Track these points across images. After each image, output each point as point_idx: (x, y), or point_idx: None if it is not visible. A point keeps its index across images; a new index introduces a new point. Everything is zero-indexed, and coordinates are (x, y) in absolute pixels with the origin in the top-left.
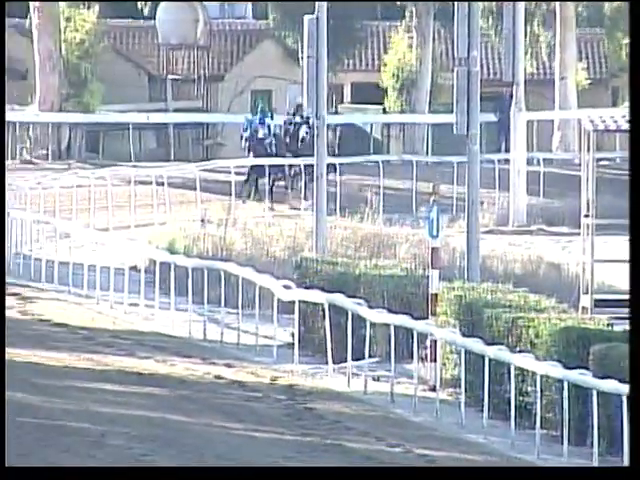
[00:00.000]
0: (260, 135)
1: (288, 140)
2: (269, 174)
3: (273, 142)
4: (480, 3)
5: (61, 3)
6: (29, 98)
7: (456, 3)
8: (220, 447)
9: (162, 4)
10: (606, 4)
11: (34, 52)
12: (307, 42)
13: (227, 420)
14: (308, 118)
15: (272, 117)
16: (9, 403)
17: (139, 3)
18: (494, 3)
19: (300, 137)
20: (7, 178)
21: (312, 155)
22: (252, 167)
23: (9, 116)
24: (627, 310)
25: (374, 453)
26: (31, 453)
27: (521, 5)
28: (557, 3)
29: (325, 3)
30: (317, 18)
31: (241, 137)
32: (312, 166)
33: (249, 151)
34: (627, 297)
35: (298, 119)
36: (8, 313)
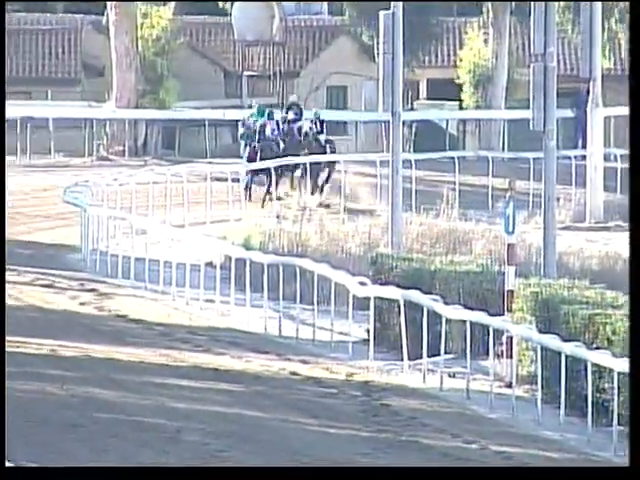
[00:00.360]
0: (268, 132)
1: (290, 137)
2: (292, 170)
3: (280, 139)
4: None
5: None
6: (106, 95)
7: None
8: (295, 443)
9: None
10: None
11: (111, 49)
12: (383, 38)
13: (302, 416)
14: (301, 114)
15: (272, 116)
16: (88, 399)
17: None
18: None
19: (303, 132)
20: (85, 174)
21: (315, 152)
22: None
23: (87, 113)
24: None
25: (450, 450)
26: (109, 449)
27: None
28: None
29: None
30: (393, 14)
31: (242, 136)
32: (319, 163)
33: (255, 149)
34: None
35: (292, 115)
36: (85, 309)
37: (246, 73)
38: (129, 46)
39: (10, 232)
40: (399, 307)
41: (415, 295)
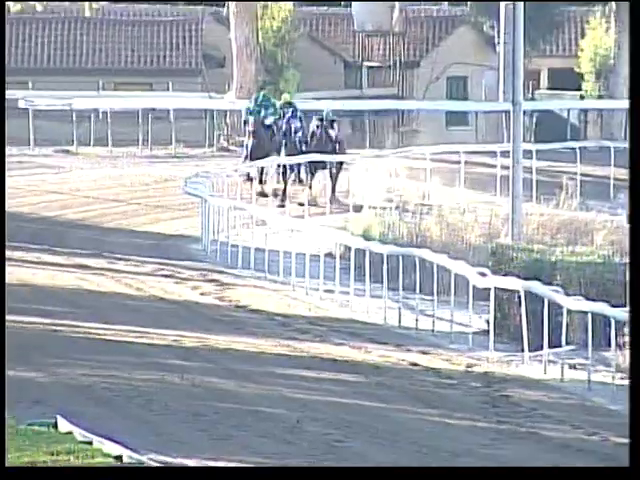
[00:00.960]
0: (293, 129)
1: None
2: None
3: (300, 138)
4: None
5: None
6: (226, 86)
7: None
8: (415, 434)
9: None
10: None
11: (231, 40)
12: (504, 28)
13: (422, 407)
14: (295, 112)
15: (276, 111)
16: (209, 389)
17: None
18: None
19: (311, 132)
20: (205, 165)
21: (320, 151)
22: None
23: (207, 104)
24: None
25: (570, 441)
26: (230, 438)
27: None
28: None
29: None
30: (514, 4)
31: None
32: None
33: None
34: None
35: (290, 113)
36: (206, 299)
37: (366, 63)
38: (249, 37)
39: (132, 223)
40: (519, 298)
41: (536, 286)
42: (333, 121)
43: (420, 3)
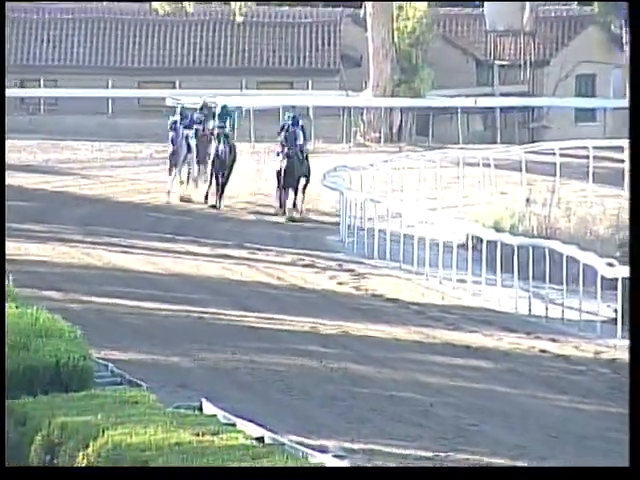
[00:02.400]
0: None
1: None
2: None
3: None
4: None
5: None
6: (363, 84)
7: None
8: (545, 418)
9: None
10: None
11: (368, 40)
12: (632, 25)
13: (551, 392)
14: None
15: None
16: (346, 374)
17: None
18: None
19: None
20: (343, 160)
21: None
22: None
23: (345, 101)
24: None
25: None
26: (366, 422)
27: None
28: None
29: None
30: None
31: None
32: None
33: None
34: None
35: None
36: (343, 288)
37: (497, 62)
38: (385, 37)
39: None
40: None
41: None
42: (302, 127)
43: (550, 3)
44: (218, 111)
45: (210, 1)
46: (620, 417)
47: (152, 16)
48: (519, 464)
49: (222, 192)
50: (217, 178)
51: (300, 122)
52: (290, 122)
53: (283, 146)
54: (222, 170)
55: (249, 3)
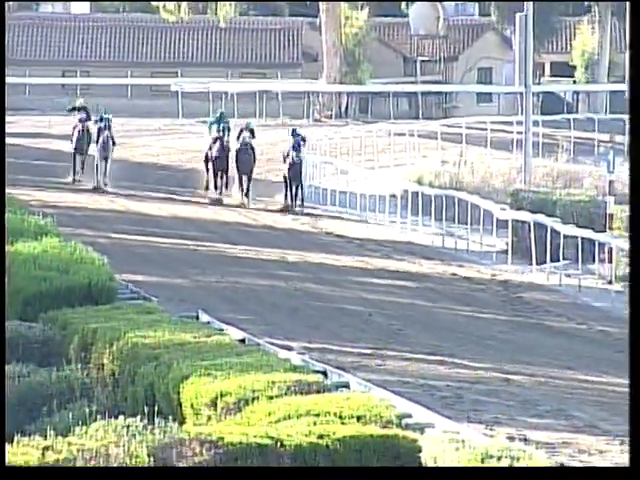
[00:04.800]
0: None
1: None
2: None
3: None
4: None
5: (343, 4)
6: (318, 74)
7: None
8: (454, 324)
9: (414, 5)
10: None
11: (322, 42)
12: (518, 32)
13: (459, 305)
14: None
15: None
16: (305, 292)
17: (402, 4)
18: None
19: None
20: (303, 132)
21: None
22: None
23: (305, 87)
24: None
25: (567, 329)
26: (320, 326)
27: None
28: None
29: (531, 3)
30: (526, 15)
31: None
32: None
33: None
34: None
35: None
36: (304, 227)
37: (419, 58)
38: (335, 40)
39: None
40: (529, 226)
41: (541, 217)
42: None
43: (458, 12)
44: (217, 116)
45: (208, 1)
46: (509, 323)
47: (161, 23)
48: (434, 358)
49: (227, 186)
50: (221, 175)
51: (302, 140)
52: (296, 139)
53: (288, 156)
54: (224, 165)
55: (232, 13)
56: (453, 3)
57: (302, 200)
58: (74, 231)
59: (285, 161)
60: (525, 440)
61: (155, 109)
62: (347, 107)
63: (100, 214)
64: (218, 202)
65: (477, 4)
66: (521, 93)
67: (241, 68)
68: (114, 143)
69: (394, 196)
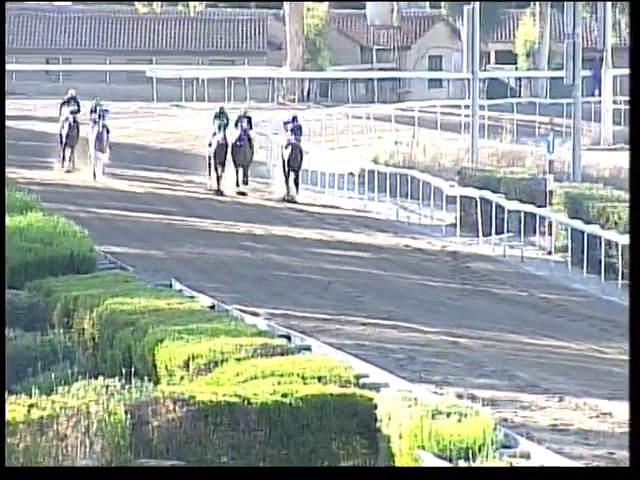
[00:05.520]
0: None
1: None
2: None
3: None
4: None
5: None
6: (282, 62)
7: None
8: (405, 291)
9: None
10: None
11: (286, 32)
12: (466, 23)
13: (411, 274)
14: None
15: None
16: (270, 262)
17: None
18: None
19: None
20: (269, 114)
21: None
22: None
23: (270, 73)
24: None
25: (510, 296)
26: (282, 293)
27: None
28: None
29: None
30: (473, 8)
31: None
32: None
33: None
34: None
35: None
36: (269, 203)
37: (375, 47)
38: (298, 30)
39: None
40: (476, 202)
41: (487, 194)
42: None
43: (411, 5)
44: (217, 112)
45: (181, 0)
46: (457, 291)
47: (137, 14)
48: (388, 322)
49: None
50: (222, 164)
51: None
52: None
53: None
54: (222, 157)
55: (201, 5)
56: None
57: (297, 187)
58: (58, 206)
59: (285, 148)
60: (472, 398)
61: (131, 93)
62: (309, 92)
63: (82, 191)
64: (219, 193)
65: None
66: (468, 79)
67: (211, 56)
68: (108, 131)
69: (352, 174)
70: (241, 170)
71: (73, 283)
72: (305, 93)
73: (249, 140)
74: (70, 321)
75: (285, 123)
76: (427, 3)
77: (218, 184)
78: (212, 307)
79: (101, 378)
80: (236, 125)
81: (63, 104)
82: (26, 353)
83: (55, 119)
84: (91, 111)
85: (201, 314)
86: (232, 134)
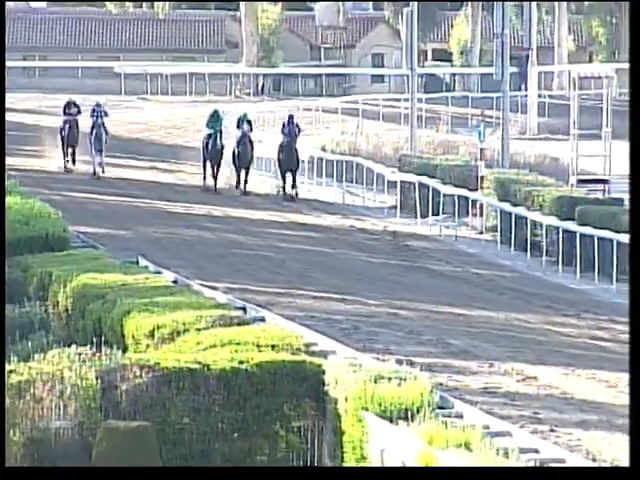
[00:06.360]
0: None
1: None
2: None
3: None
4: (510, 2)
5: None
6: (239, 59)
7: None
8: (353, 268)
9: (318, 3)
10: None
11: (241, 31)
12: (406, 24)
13: (356, 251)
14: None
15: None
16: (229, 241)
17: (309, 3)
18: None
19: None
20: (226, 107)
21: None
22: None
23: (228, 69)
24: (599, 186)
25: (445, 272)
26: (240, 270)
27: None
28: None
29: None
30: (412, 10)
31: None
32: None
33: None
34: (598, 177)
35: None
36: (226, 186)
37: (323, 46)
38: (253, 30)
39: (187, 140)
40: (415, 186)
41: (425, 179)
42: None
43: (356, 7)
44: (210, 114)
45: (148, 0)
46: (398, 267)
47: (106, 15)
48: (336, 296)
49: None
50: (218, 165)
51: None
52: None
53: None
54: (218, 158)
55: (166, 7)
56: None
57: (294, 185)
58: (34, 190)
59: (279, 148)
60: (411, 364)
61: (101, 88)
62: (263, 86)
63: (56, 176)
64: (217, 192)
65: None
66: (408, 75)
67: (174, 53)
68: (107, 132)
69: (302, 161)
70: (243, 172)
71: (48, 260)
72: (260, 87)
73: (250, 142)
74: (45, 294)
75: (283, 125)
76: (370, 4)
77: (215, 184)
78: (175, 282)
79: (74, 346)
80: (237, 127)
81: (64, 108)
82: (5, 323)
83: (32, 111)
84: (92, 114)
85: (165, 288)
86: (228, 134)
